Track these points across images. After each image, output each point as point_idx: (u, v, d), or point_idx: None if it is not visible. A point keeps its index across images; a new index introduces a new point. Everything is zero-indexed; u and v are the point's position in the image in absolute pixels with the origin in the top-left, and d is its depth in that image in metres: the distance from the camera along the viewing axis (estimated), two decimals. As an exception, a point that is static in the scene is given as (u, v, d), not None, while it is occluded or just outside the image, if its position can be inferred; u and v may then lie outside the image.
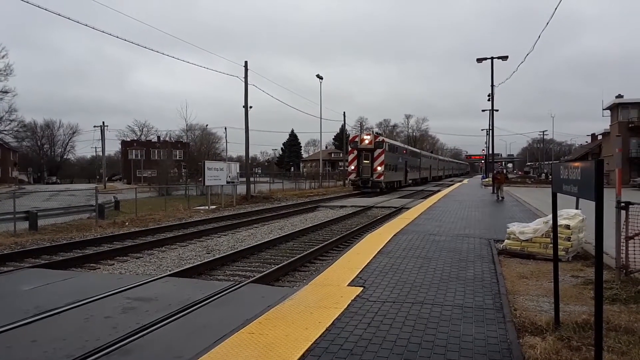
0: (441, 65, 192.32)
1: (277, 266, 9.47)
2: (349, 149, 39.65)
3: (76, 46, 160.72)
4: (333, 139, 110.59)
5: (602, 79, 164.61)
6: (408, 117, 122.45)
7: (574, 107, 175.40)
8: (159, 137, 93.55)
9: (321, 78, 51.09)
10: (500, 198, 23.76)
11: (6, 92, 58.07)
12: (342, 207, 25.09)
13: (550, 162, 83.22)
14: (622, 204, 6.53)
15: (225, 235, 15.00)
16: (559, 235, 6.24)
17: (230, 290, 6.39)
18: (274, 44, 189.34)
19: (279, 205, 27.50)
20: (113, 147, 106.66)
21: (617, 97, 52.51)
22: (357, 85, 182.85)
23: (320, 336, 4.42)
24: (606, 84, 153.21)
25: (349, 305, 5.42)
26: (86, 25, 24.68)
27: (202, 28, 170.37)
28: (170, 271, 9.13)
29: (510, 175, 65.05)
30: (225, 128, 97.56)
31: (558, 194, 4.73)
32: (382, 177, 36.82)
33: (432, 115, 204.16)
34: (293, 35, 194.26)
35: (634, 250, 6.69)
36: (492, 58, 31.19)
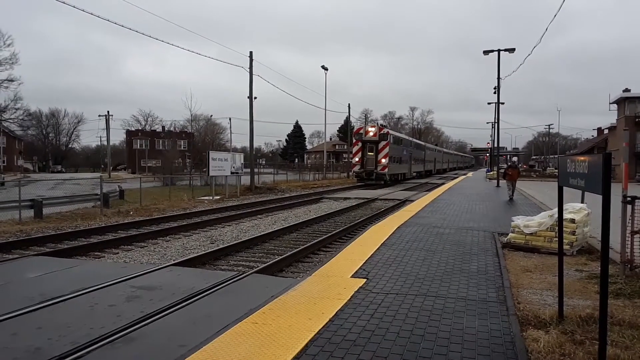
0: (435, 58, 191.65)
1: (280, 257, 9.49)
2: (354, 140, 39.51)
3: (67, 35, 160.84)
4: (337, 130, 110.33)
5: (602, 72, 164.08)
6: (413, 109, 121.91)
7: (575, 101, 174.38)
8: (163, 127, 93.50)
9: (326, 69, 50.87)
10: (511, 197, 20.08)
11: (12, 80, 58.14)
12: (346, 199, 25.08)
13: (556, 155, 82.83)
14: (628, 199, 6.49)
15: (229, 225, 15.03)
16: (563, 229, 6.21)
17: (234, 280, 6.41)
18: (260, 33, 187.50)
19: (283, 196, 27.51)
20: (118, 137, 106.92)
21: (624, 91, 52.02)
22: (350, 77, 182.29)
23: (323, 327, 4.43)
24: (607, 78, 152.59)
25: (352, 296, 5.43)
26: (89, 13, 24.29)
27: (186, 17, 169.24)
28: (174, 260, 9.16)
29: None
30: (230, 119, 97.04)
31: (563, 188, 4.70)
32: (386, 170, 36.73)
33: (432, 108, 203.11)
34: (281, 25, 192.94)
35: (640, 245, 6.67)
36: (498, 50, 30.75)
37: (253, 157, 35.92)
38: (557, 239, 5.43)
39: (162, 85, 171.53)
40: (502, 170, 27.08)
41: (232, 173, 26.93)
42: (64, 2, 15.66)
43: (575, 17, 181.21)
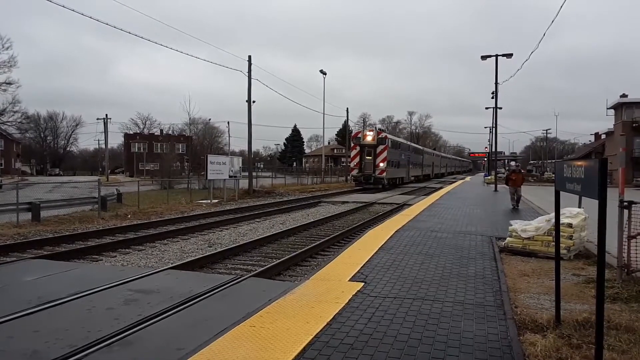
0: (432, 63, 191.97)
1: (278, 260, 9.49)
2: (352, 145, 39.59)
3: (64, 39, 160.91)
4: (336, 134, 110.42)
5: (600, 77, 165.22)
6: (411, 114, 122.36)
7: (573, 106, 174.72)
8: (161, 131, 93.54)
9: (324, 73, 50.97)
10: (516, 205, 17.92)
11: (10, 83, 57.96)
12: (344, 202, 25.09)
13: (554, 160, 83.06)
14: (625, 203, 6.51)
15: (227, 229, 15.02)
16: (560, 233, 6.24)
17: (231, 283, 6.41)
18: (252, 38, 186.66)
19: (281, 200, 27.52)
20: (116, 140, 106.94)
21: (621, 96, 52.28)
22: (347, 81, 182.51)
23: (321, 330, 4.44)
24: (604, 83, 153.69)
25: (350, 300, 5.44)
26: (87, 17, 24.26)
27: (178, 20, 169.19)
28: (172, 264, 9.16)
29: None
30: (228, 122, 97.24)
31: (560, 193, 4.72)
32: (384, 174, 36.77)
33: (430, 112, 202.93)
34: (274, 30, 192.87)
35: (636, 250, 6.68)
36: (496, 55, 30.86)
37: (251, 160, 35.92)
38: (554, 243, 5.45)
39: (160, 88, 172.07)
40: (504, 175, 26.12)
41: (230, 177, 26.94)
42: (63, 6, 15.72)
43: (571, 20, 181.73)
